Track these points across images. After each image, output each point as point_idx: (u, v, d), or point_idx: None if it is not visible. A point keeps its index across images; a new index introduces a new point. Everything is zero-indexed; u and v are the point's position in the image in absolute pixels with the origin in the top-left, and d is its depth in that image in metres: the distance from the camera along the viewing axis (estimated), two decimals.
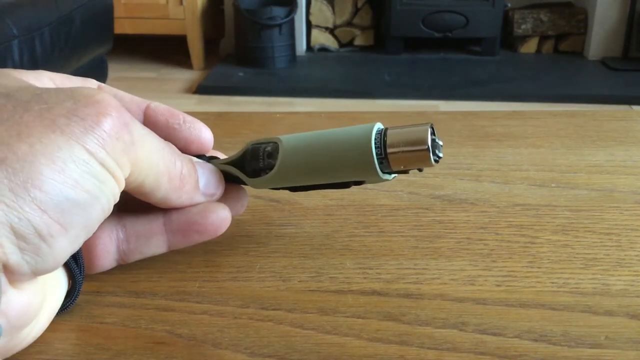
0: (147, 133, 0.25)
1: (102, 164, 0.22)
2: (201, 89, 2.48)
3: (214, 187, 0.29)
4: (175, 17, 2.70)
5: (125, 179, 0.24)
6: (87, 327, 0.26)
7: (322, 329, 0.25)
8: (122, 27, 2.57)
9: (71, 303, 0.26)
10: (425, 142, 0.26)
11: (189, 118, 0.29)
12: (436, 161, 0.26)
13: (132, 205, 0.29)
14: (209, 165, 0.29)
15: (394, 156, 0.26)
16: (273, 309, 0.27)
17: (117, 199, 0.24)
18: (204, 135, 0.29)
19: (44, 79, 0.26)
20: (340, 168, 0.27)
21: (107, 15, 1.96)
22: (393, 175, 0.28)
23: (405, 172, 0.27)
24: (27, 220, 0.20)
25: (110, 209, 0.24)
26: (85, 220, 0.22)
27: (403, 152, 0.26)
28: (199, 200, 0.28)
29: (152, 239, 0.28)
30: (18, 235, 0.20)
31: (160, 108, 0.29)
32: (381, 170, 0.26)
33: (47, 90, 0.23)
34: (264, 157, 0.29)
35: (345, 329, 0.25)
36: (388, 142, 0.26)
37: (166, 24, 2.71)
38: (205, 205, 0.28)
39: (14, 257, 0.20)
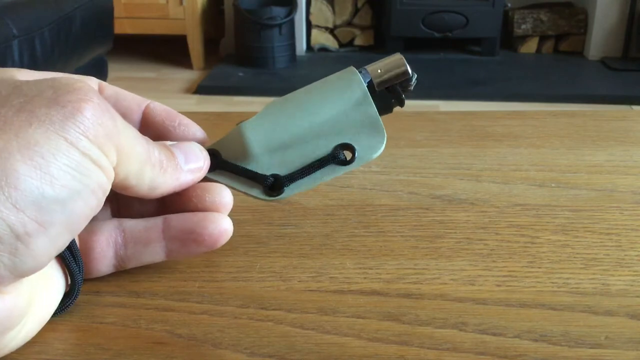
0: (126, 123, 0.25)
1: (85, 154, 0.22)
2: (201, 89, 2.48)
3: (195, 159, 0.28)
4: (175, 17, 2.69)
5: (113, 168, 0.23)
6: (87, 327, 0.26)
7: (322, 329, 0.25)
8: (122, 27, 2.57)
9: (70, 303, 0.26)
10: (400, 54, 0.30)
11: (185, 121, 0.29)
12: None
13: (132, 211, 0.29)
14: (184, 143, 0.29)
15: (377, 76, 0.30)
16: (273, 309, 0.27)
17: (107, 191, 0.23)
18: (197, 136, 0.29)
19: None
20: (326, 90, 0.29)
21: (107, 15, 1.96)
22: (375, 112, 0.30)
23: (390, 101, 0.30)
24: (1, 220, 0.19)
25: (98, 203, 0.23)
26: (66, 217, 0.21)
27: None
28: (185, 179, 0.28)
29: (150, 245, 0.28)
30: None
31: (159, 108, 0.29)
32: (365, 82, 0.29)
33: (27, 82, 0.23)
34: None
35: (345, 329, 0.25)
36: (369, 69, 0.30)
37: (166, 24, 2.71)
38: (205, 215, 0.28)
39: None
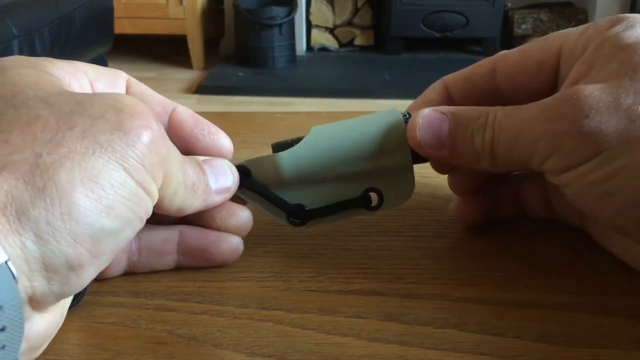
0: (172, 146, 0.25)
1: (139, 183, 0.22)
2: (201, 89, 2.48)
3: (224, 179, 0.28)
4: (175, 17, 2.70)
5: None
6: (87, 327, 0.26)
7: (322, 329, 0.25)
8: (122, 27, 2.57)
9: (75, 304, 0.26)
10: None
11: (213, 128, 0.29)
12: None
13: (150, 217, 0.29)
14: (215, 160, 0.29)
15: None
16: (273, 309, 0.27)
17: (150, 214, 0.24)
18: (225, 145, 0.29)
19: (79, 74, 0.27)
20: (369, 140, 0.29)
21: (107, 15, 1.96)
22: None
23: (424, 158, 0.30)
24: (60, 254, 0.20)
25: (141, 226, 0.24)
26: (115, 246, 0.22)
27: None
28: (213, 200, 0.28)
29: (164, 257, 0.29)
30: (49, 269, 0.20)
31: (185, 114, 0.29)
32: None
33: (89, 98, 0.23)
34: (291, 142, 0.30)
35: (345, 329, 0.25)
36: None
37: (166, 24, 2.71)
38: (219, 236, 0.29)
39: (41, 288, 0.20)
